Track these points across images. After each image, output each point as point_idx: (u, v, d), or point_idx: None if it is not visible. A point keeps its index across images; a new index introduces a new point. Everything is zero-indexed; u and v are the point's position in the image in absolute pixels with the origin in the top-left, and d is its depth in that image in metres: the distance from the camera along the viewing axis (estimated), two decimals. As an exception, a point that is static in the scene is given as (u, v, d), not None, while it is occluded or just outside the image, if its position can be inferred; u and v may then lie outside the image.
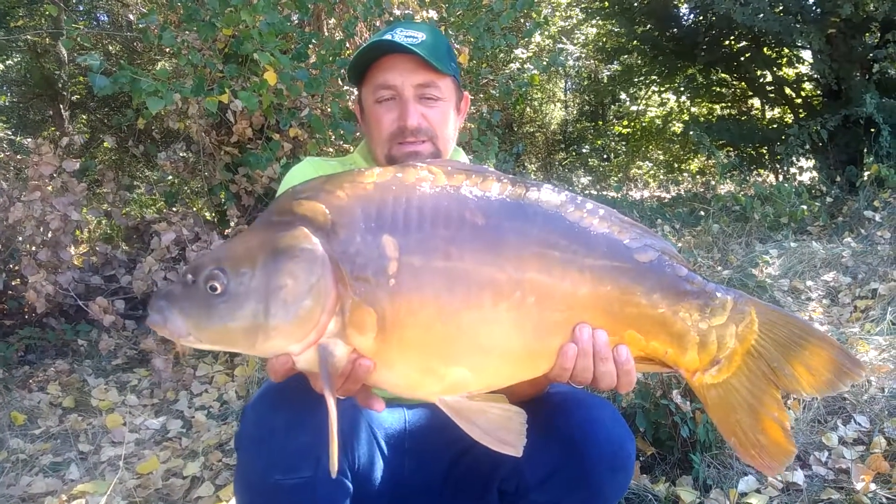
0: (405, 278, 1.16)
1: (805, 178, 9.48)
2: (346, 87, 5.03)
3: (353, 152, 1.94)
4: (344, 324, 1.16)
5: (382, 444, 1.63)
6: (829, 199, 7.61)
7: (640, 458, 2.73)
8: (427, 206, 1.19)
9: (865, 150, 7.73)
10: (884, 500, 2.45)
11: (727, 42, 10.85)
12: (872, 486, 2.51)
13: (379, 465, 1.59)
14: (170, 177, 5.70)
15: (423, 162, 1.26)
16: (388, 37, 1.67)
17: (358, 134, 4.74)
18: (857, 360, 1.27)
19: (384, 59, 1.68)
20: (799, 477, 2.63)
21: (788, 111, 11.57)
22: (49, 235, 4.41)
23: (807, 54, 10.44)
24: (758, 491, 2.56)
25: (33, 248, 4.42)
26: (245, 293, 1.15)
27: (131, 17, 7.06)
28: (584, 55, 14.61)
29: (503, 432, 1.20)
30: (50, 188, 4.47)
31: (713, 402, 1.30)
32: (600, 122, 16.76)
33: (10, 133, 9.80)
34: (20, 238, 4.47)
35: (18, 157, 5.08)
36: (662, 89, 13.78)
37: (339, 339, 1.17)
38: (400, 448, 1.65)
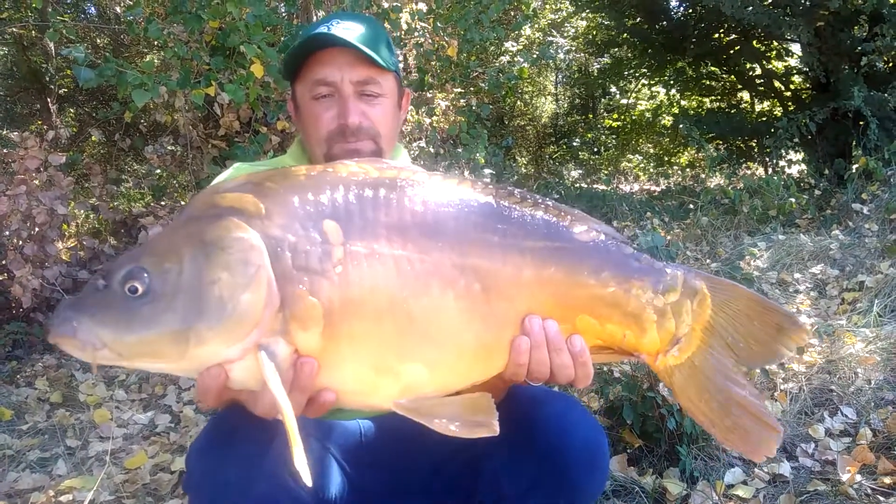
0: (352, 266, 1.09)
1: (794, 170, 9.52)
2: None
3: (284, 155, 1.84)
4: (286, 319, 1.07)
5: (343, 463, 1.56)
6: (817, 192, 7.64)
7: (628, 451, 2.74)
8: (365, 194, 1.13)
9: (854, 143, 7.76)
10: (869, 490, 2.46)
11: (716, 35, 10.87)
12: (858, 478, 2.52)
13: (346, 487, 1.53)
14: (157, 170, 5.67)
15: (352, 160, 1.20)
16: (323, 29, 1.58)
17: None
18: (802, 324, 1.26)
19: (321, 52, 1.59)
20: (785, 468, 2.65)
21: (777, 104, 11.60)
22: (35, 230, 4.39)
23: (796, 47, 10.48)
24: (744, 482, 2.58)
25: (19, 243, 4.39)
26: (172, 292, 1.02)
27: (118, 9, 7.01)
28: (574, 48, 14.60)
29: (472, 415, 1.14)
30: (36, 182, 4.44)
31: (680, 385, 1.26)
32: (590, 116, 16.77)
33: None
34: (6, 232, 4.44)
35: (4, 150, 5.03)
36: (652, 82, 13.78)
37: (280, 338, 1.07)
38: (359, 462, 1.58)
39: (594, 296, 1.21)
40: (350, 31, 1.57)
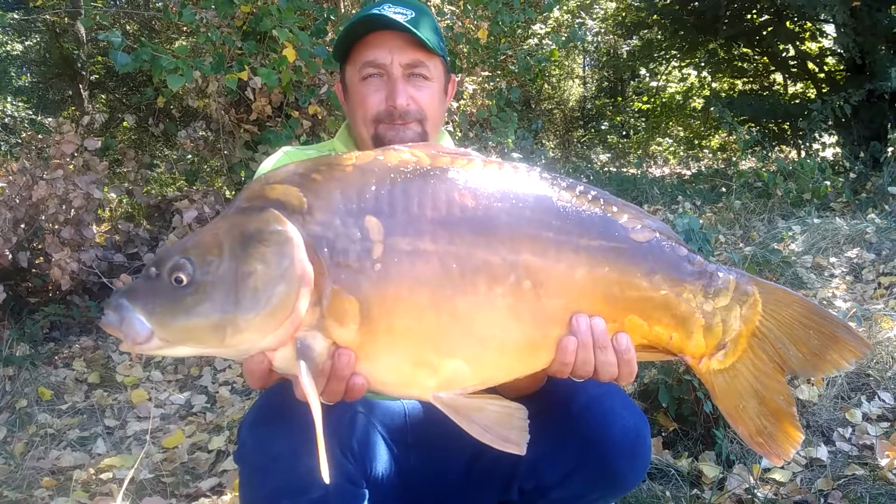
0: (392, 262, 1.08)
1: (828, 153, 9.35)
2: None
3: (333, 139, 1.85)
4: (322, 314, 1.08)
5: (390, 442, 1.58)
6: (852, 175, 7.52)
7: (663, 434, 2.73)
8: (412, 188, 1.12)
9: (890, 125, 7.59)
10: (909, 475, 2.43)
11: (749, 16, 10.69)
12: (897, 463, 2.49)
13: (391, 466, 1.55)
14: (189, 155, 5.72)
15: (404, 145, 1.20)
16: (376, 11, 1.58)
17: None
18: (861, 338, 1.24)
19: (372, 35, 1.60)
20: (823, 453, 2.63)
21: (811, 86, 11.40)
22: (72, 213, 4.45)
23: (830, 28, 10.28)
24: (781, 467, 2.55)
25: (56, 227, 4.46)
26: (212, 282, 1.06)
27: (149, -6, 7.08)
28: (603, 30, 14.44)
29: (504, 429, 1.15)
30: (72, 167, 4.50)
31: (721, 389, 1.26)
32: (619, 99, 16.58)
33: (30, 113, 9.85)
34: (43, 216, 4.51)
35: (40, 136, 5.10)
36: (683, 64, 13.61)
37: (317, 332, 1.09)
38: (402, 443, 1.59)
39: (645, 298, 1.20)
40: (401, 14, 1.57)
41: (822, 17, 9.21)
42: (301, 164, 1.16)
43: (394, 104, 1.59)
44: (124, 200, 6.53)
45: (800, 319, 1.23)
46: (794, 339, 1.24)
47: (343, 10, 5.37)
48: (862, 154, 8.16)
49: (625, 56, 14.82)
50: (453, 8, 5.65)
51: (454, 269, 1.10)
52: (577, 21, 10.73)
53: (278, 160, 1.72)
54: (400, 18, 1.56)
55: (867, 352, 1.24)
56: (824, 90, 10.16)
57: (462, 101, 5.95)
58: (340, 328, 1.09)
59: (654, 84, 15.73)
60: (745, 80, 12.91)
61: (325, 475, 1.04)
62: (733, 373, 1.25)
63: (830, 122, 8.59)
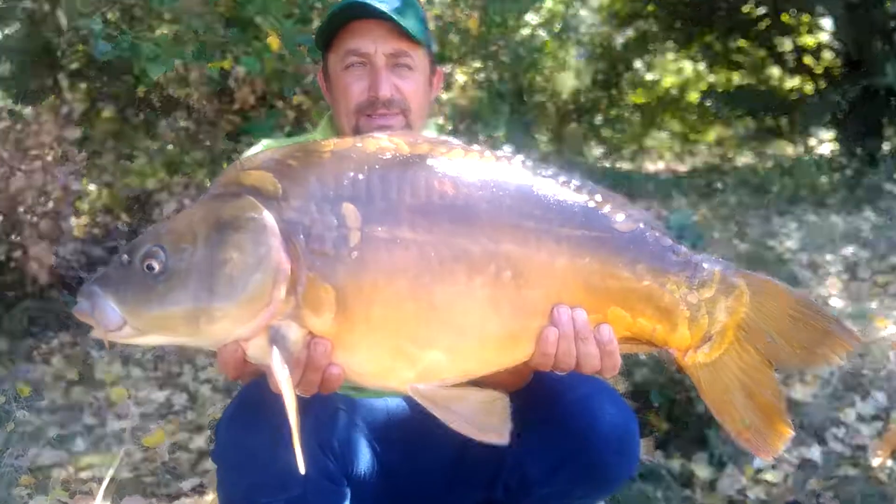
0: (369, 250, 1.08)
1: (824, 149, 9.34)
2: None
3: (315, 131, 1.86)
4: (298, 303, 1.07)
5: (372, 440, 1.57)
6: (848, 172, 7.50)
7: (655, 434, 2.70)
8: (391, 175, 1.12)
9: (886, 122, 7.55)
10: (902, 476, 2.42)
11: (746, 9, 10.65)
12: (889, 463, 2.51)
13: (374, 464, 1.54)
14: (170, 146, 5.65)
15: (383, 133, 1.19)
16: None
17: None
18: (852, 331, 1.22)
19: (355, 23, 1.60)
20: (815, 453, 2.63)
21: (808, 81, 11.36)
22: (50, 206, 4.37)
23: (827, 22, 10.25)
24: (773, 467, 2.54)
25: (34, 219, 4.37)
26: (186, 270, 1.06)
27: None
28: (597, 21, 14.40)
29: (485, 418, 1.13)
30: (50, 157, 4.41)
31: (707, 382, 1.25)
32: (614, 92, 16.54)
33: (8, 102, 9.74)
34: (21, 209, 4.42)
35: (17, 126, 5.00)
36: (678, 56, 13.59)
37: (292, 322, 1.08)
38: (385, 441, 1.58)
39: (628, 289, 1.19)
40: (385, 3, 1.57)
41: (820, 11, 9.19)
42: (277, 151, 1.16)
43: (376, 94, 1.59)
44: (103, 192, 6.45)
45: (788, 312, 1.22)
46: (782, 332, 1.22)
47: (330, -1, 5.30)
48: (858, 150, 8.13)
49: (619, 48, 14.77)
50: (444, -3, 5.59)
51: (433, 257, 1.10)
52: (571, 12, 10.68)
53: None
54: (384, 7, 1.55)
55: (858, 345, 1.23)
56: (821, 85, 10.14)
57: (452, 93, 5.89)
58: (316, 317, 1.08)
59: (649, 77, 15.71)
60: (741, 73, 12.88)
61: (301, 466, 1.04)
62: (719, 366, 1.24)
63: (827, 118, 8.55)
